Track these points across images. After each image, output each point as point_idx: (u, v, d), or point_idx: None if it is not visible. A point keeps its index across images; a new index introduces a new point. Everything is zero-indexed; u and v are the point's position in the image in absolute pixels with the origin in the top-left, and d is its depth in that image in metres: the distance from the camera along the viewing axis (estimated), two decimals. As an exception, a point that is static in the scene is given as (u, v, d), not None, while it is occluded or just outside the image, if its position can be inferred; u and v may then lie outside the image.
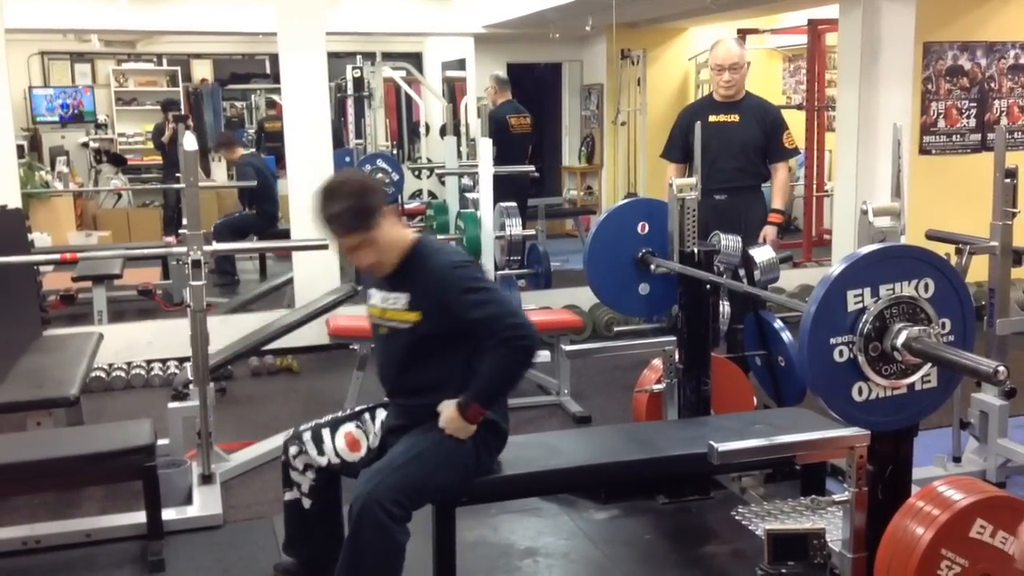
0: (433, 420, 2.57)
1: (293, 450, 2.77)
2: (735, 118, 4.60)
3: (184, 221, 3.69)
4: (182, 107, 10.99)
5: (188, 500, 3.49)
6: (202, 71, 11.76)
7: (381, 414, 2.78)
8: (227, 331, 4.85)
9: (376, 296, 2.72)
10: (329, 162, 5.65)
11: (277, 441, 4.07)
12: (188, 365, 3.77)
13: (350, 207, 2.53)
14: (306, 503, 2.78)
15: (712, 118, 4.64)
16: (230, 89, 11.86)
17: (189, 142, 3.62)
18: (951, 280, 2.26)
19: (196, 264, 3.56)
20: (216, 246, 3.71)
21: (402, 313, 2.62)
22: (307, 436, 2.76)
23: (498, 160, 5.27)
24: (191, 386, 3.70)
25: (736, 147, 4.56)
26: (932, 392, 2.28)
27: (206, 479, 3.60)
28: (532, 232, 5.94)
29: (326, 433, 2.74)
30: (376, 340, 2.79)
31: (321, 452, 2.73)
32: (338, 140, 8.99)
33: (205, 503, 3.47)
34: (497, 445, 2.69)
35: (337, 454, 2.72)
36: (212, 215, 10.04)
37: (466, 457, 2.58)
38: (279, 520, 3.42)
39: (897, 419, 2.29)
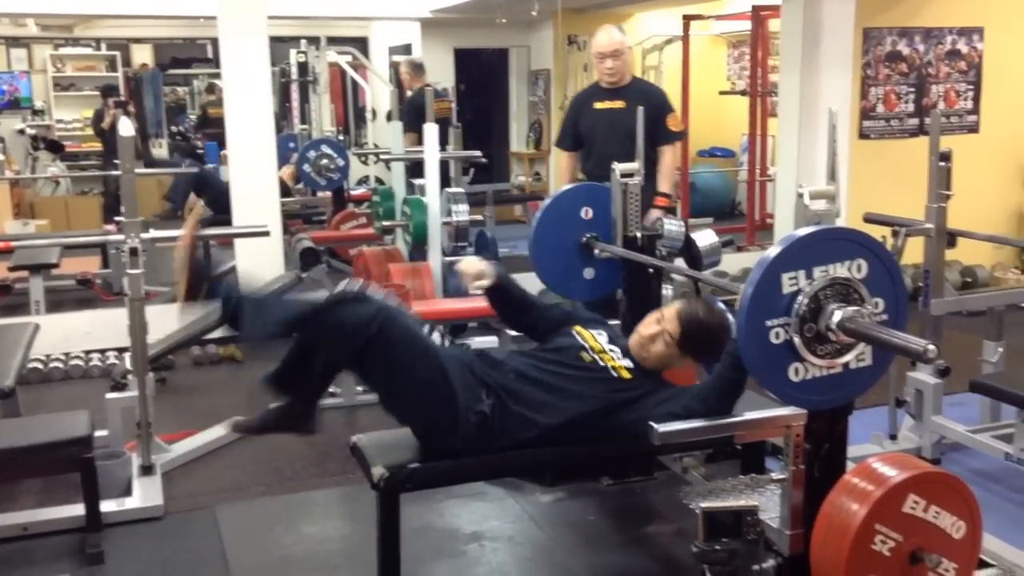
0: None
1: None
2: (621, 104, 4.61)
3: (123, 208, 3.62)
4: (122, 93, 10.77)
5: (128, 492, 3.43)
6: (142, 56, 11.54)
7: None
8: (169, 320, 4.78)
9: (602, 333, 2.82)
10: (272, 148, 5.58)
11: (219, 431, 4.04)
12: (128, 355, 3.71)
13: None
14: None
15: (598, 105, 4.66)
16: (171, 74, 11.67)
17: (125, 127, 3.56)
18: (884, 261, 2.30)
19: (134, 252, 3.51)
20: (153, 233, 3.64)
21: (616, 363, 2.71)
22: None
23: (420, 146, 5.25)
24: (130, 376, 3.64)
25: (622, 133, 4.51)
26: (866, 371, 2.32)
27: (146, 470, 3.55)
28: (480, 218, 5.93)
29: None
30: (558, 352, 2.75)
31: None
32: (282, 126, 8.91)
33: (145, 494, 3.42)
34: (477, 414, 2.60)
35: None
36: (153, 202, 9.92)
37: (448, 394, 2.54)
38: (221, 510, 3.41)
39: (833, 398, 2.33)
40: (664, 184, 4.75)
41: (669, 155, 4.77)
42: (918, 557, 2.25)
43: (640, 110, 3.76)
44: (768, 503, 2.64)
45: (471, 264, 2.92)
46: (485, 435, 2.57)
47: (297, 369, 2.70)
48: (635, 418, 2.57)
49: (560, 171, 5.00)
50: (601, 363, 2.71)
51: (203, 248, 2.66)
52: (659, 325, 2.74)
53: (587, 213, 3.68)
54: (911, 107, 6.51)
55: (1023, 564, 2.73)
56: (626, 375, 2.69)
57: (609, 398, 2.64)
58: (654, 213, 4.54)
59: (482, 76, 11.12)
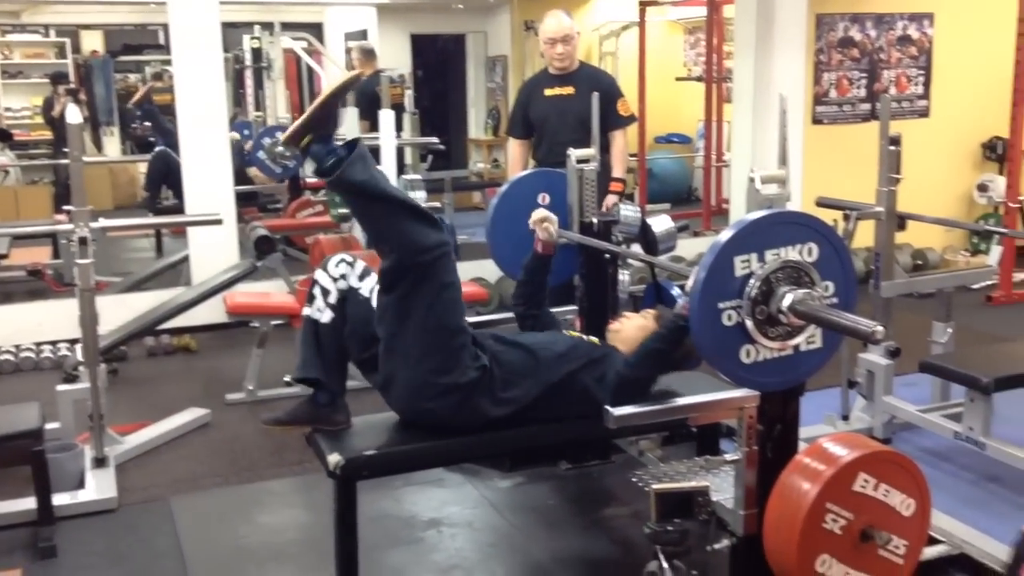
0: None
1: (342, 261, 2.70)
2: (570, 90, 4.62)
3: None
4: (72, 80, 10.56)
5: (81, 484, 3.39)
6: (92, 43, 11.31)
7: None
8: (121, 311, 4.72)
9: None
10: (225, 136, 5.52)
11: (174, 422, 4.01)
12: (79, 346, 3.66)
13: None
14: (325, 316, 2.66)
15: (548, 92, 4.67)
16: (123, 61, 11.45)
17: (72, 114, 3.49)
18: (834, 245, 2.33)
19: (83, 241, 3.45)
20: (103, 222, 3.59)
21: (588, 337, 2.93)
22: (361, 263, 2.72)
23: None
24: (81, 368, 3.59)
25: (573, 119, 4.51)
26: (816, 353, 2.34)
27: (99, 462, 3.50)
28: (438, 205, 5.90)
29: (373, 275, 2.68)
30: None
31: (361, 278, 2.69)
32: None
33: (98, 487, 3.38)
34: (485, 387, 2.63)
35: (371, 292, 2.66)
36: (105, 192, 9.76)
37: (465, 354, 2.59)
38: (176, 502, 3.38)
39: (784, 379, 2.35)
40: (618, 169, 4.77)
41: (621, 140, 4.78)
42: (868, 535, 2.29)
43: (595, 96, 3.76)
44: (722, 484, 2.67)
45: (542, 212, 3.17)
46: (477, 391, 2.60)
47: (316, 354, 2.68)
48: (600, 375, 2.68)
49: (511, 159, 5.00)
50: (575, 333, 2.90)
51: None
52: (644, 320, 2.87)
53: (543, 199, 3.68)
54: (863, 92, 6.60)
55: (972, 540, 2.79)
56: (596, 342, 2.86)
57: (585, 354, 2.75)
58: (611, 199, 4.56)
59: (439, 62, 11.06)
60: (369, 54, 7.33)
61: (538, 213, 3.18)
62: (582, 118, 4.56)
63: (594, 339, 2.91)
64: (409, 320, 2.54)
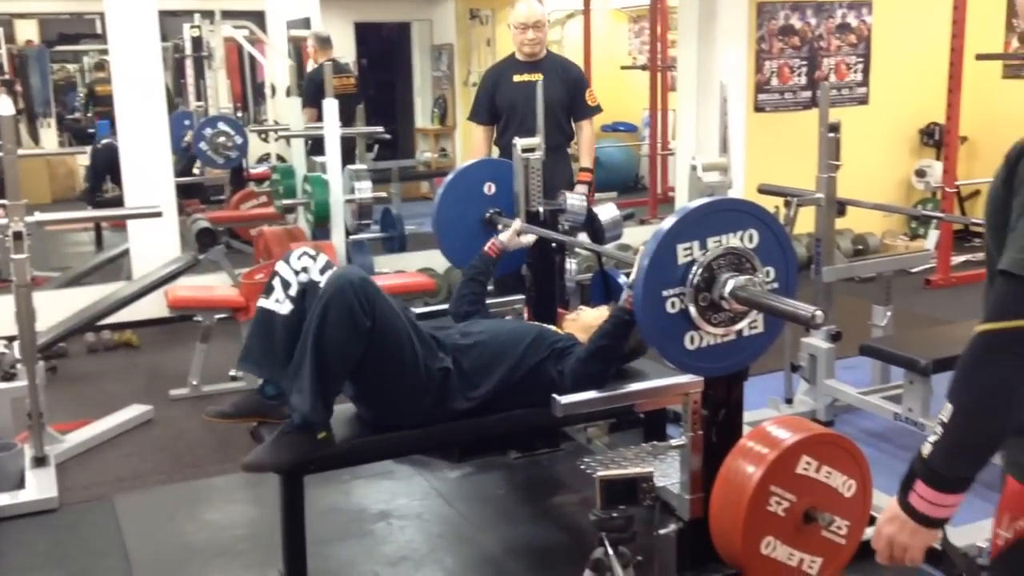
0: None
1: (304, 254, 2.69)
2: (539, 77, 4.62)
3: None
4: (6, 71, 10.29)
5: (20, 484, 3.32)
6: (27, 32, 11.02)
7: None
8: (60, 306, 4.62)
9: None
10: (164, 126, 5.42)
11: (116, 419, 3.94)
12: (16, 344, 3.57)
13: None
14: (284, 308, 2.64)
15: (516, 78, 4.66)
16: (59, 51, 11.17)
17: (5, 106, 3.40)
18: (774, 231, 2.35)
19: (18, 236, 3.37)
20: (39, 216, 3.51)
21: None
22: (324, 257, 2.72)
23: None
24: (19, 366, 3.51)
25: (543, 106, 4.55)
26: (759, 338, 2.37)
27: (39, 461, 3.43)
28: (384, 195, 5.86)
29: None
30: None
31: (323, 272, 2.67)
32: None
33: (39, 486, 3.31)
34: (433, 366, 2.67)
35: None
36: (43, 185, 9.53)
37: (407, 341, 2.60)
38: (120, 500, 3.32)
39: (727, 364, 2.37)
40: (586, 159, 4.79)
41: (588, 130, 4.80)
42: (812, 516, 2.32)
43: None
44: (669, 469, 2.70)
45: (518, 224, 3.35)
46: (447, 393, 2.66)
47: (267, 346, 2.66)
48: (563, 367, 2.72)
49: (474, 145, 4.97)
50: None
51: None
52: (600, 312, 2.93)
53: (490, 188, 3.68)
54: (804, 80, 6.68)
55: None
56: (557, 330, 2.92)
57: (550, 344, 2.80)
58: (580, 190, 4.56)
59: (384, 51, 10.96)
60: (325, 42, 7.24)
61: (517, 224, 3.34)
62: (551, 105, 4.57)
63: (554, 328, 2.96)
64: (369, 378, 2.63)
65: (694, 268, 2.24)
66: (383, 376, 2.61)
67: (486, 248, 3.32)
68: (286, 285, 2.66)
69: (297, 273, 2.67)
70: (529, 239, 3.36)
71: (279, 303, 2.65)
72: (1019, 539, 1.45)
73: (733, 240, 2.28)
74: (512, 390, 2.74)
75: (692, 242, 2.24)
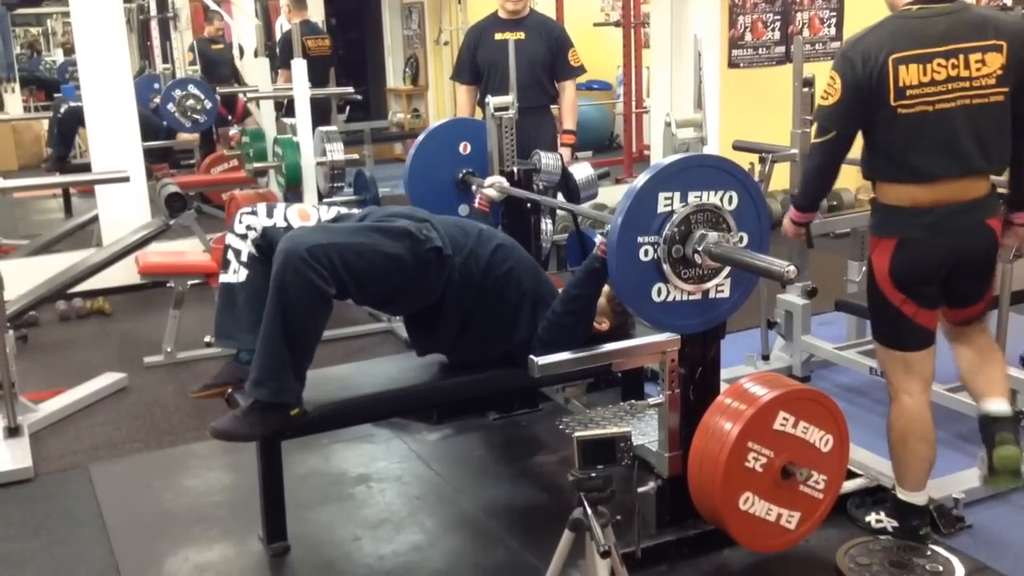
0: None
1: (243, 215, 2.72)
2: (521, 35, 4.57)
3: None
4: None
5: (-6, 455, 3.28)
6: (-14, -6, 10.75)
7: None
8: (30, 274, 4.55)
9: None
10: (129, 88, 5.31)
11: (90, 387, 3.90)
12: (-16, 313, 3.51)
13: None
14: (240, 275, 2.68)
15: (498, 36, 4.60)
16: (21, 14, 10.94)
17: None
18: (753, 197, 2.35)
19: (-18, 203, 3.30)
20: (4, 183, 3.44)
21: None
22: (262, 206, 2.75)
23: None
24: (-12, 335, 3.45)
25: (525, 65, 4.48)
26: (723, 302, 2.39)
27: (12, 432, 3.39)
28: (356, 157, 5.79)
29: (281, 206, 2.78)
30: None
31: (270, 215, 2.71)
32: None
33: (13, 456, 3.27)
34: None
35: (286, 219, 2.71)
36: (8, 151, 9.37)
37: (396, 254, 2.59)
38: (96, 469, 3.30)
39: (690, 324, 2.38)
40: (569, 121, 4.74)
41: (571, 90, 4.75)
42: (789, 471, 2.35)
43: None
44: (647, 428, 2.71)
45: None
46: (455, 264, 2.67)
47: (232, 317, 2.71)
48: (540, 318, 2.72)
49: (459, 105, 4.93)
50: None
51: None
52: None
53: (465, 148, 3.65)
54: (777, 35, 6.63)
55: (888, 472, 2.88)
56: None
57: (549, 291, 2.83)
58: (565, 153, 4.52)
59: (353, 10, 10.80)
60: (300, 2, 7.11)
61: (492, 179, 3.39)
62: (533, 64, 4.52)
63: None
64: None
65: (672, 218, 2.24)
66: (387, 297, 2.71)
67: (476, 206, 3.40)
68: (237, 253, 2.70)
69: (244, 237, 2.69)
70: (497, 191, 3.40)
71: (236, 273, 2.69)
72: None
73: (713, 198, 2.28)
74: (494, 302, 2.73)
75: (674, 192, 2.24)
